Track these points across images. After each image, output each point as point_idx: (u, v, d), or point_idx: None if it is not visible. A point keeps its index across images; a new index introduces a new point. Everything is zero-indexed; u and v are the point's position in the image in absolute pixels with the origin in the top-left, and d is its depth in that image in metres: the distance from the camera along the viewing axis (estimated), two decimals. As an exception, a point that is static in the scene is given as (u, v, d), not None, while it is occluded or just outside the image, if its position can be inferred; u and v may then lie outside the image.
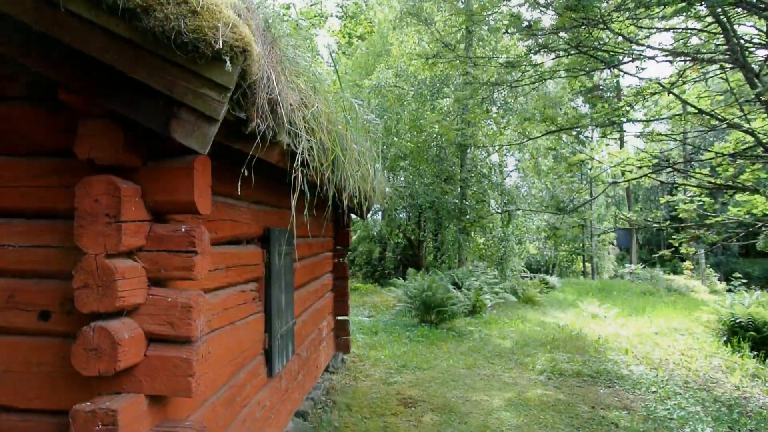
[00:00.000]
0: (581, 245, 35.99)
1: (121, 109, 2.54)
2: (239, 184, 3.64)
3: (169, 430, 2.69)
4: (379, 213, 24.62)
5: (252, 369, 4.46)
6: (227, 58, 2.31)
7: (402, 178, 22.55)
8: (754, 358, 9.74)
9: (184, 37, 2.26)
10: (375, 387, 7.86)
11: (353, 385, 7.92)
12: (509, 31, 9.70)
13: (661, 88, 9.71)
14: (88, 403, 2.51)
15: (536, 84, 11.38)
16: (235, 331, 4.07)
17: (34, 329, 2.79)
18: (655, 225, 13.85)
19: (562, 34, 9.25)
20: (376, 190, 6.52)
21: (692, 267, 31.16)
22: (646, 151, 11.56)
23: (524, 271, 24.70)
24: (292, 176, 3.13)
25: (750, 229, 11.15)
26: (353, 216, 9.86)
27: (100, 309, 2.54)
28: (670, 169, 11.68)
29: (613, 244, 38.21)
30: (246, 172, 3.02)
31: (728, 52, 8.35)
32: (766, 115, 8.98)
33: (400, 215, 23.58)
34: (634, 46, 9.34)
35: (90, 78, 2.52)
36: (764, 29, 8.40)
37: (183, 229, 2.72)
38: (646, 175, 11.08)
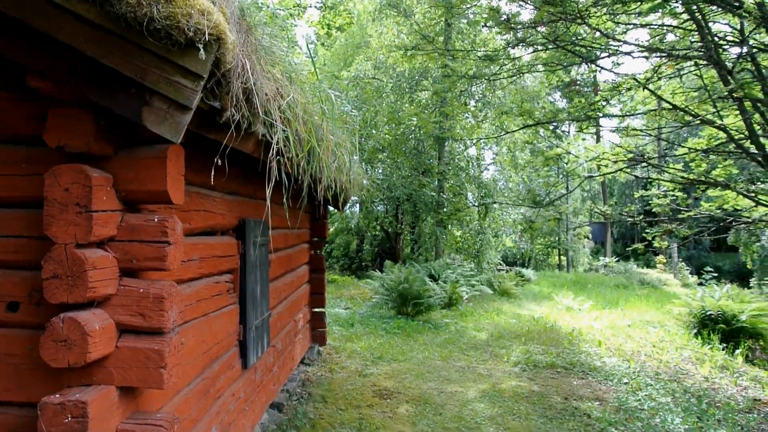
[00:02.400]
0: (557, 239, 36.38)
1: (92, 96, 2.49)
2: (213, 174, 3.60)
3: (141, 422, 2.66)
4: (357, 205, 24.60)
5: (226, 360, 4.43)
6: (201, 46, 2.28)
7: (380, 171, 22.53)
8: (723, 350, 9.93)
9: (156, 24, 2.23)
10: (351, 379, 7.87)
11: (329, 377, 7.92)
12: (488, 24, 9.71)
13: (636, 83, 9.81)
14: (58, 395, 2.48)
15: (514, 78, 11.43)
16: (209, 323, 4.04)
17: (2, 320, 2.74)
18: (629, 219, 14.04)
19: (540, 28, 9.29)
20: (353, 182, 6.51)
21: (665, 261, 31.65)
22: (621, 146, 11.69)
23: (500, 264, 24.87)
24: (268, 167, 3.11)
25: (721, 224, 11.35)
26: (330, 208, 9.84)
27: (69, 300, 2.50)
28: (644, 164, 11.83)
29: (588, 238, 38.68)
30: (220, 162, 2.99)
31: (702, 50, 8.46)
32: (738, 111, 9.12)
33: (378, 207, 23.59)
34: (611, 42, 9.42)
35: (61, 64, 2.47)
36: (738, 27, 8.52)
37: (155, 219, 2.68)
38: (621, 170, 11.21)
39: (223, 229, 4.46)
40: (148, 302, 2.64)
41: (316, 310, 8.85)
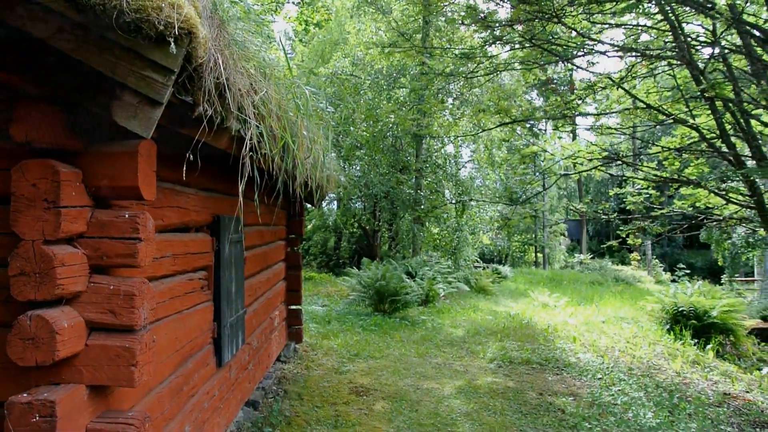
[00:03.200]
0: (533, 236, 36.68)
1: (61, 90, 2.45)
2: (186, 170, 3.57)
3: (111, 421, 2.62)
4: (335, 202, 24.55)
5: (200, 358, 4.40)
6: (171, 40, 2.25)
7: (357, 168, 22.51)
8: (694, 345, 10.11)
9: (126, 17, 2.19)
10: (327, 376, 7.85)
11: (305, 374, 7.90)
12: (465, 22, 9.75)
13: (611, 82, 9.92)
14: (25, 394, 2.43)
15: (491, 76, 11.48)
16: (183, 320, 4.00)
17: (-32, 318, 2.68)
18: (604, 217, 14.19)
19: (516, 26, 9.35)
20: (329, 179, 6.49)
21: (639, 258, 32.10)
22: (596, 144, 11.81)
23: (477, 261, 25.00)
24: (241, 163, 3.09)
25: (693, 222, 11.54)
26: (308, 205, 9.80)
27: (37, 297, 2.46)
28: (619, 162, 11.97)
29: (564, 235, 39.06)
30: (192, 157, 2.95)
31: (676, 50, 8.57)
32: (710, 111, 9.27)
33: (356, 205, 23.57)
34: (587, 41, 9.51)
35: (28, 57, 2.43)
36: (710, 28, 8.65)
37: (126, 216, 2.65)
38: (596, 168, 11.33)
39: (197, 225, 4.42)
40: (119, 299, 2.60)
41: (293, 307, 8.82)
